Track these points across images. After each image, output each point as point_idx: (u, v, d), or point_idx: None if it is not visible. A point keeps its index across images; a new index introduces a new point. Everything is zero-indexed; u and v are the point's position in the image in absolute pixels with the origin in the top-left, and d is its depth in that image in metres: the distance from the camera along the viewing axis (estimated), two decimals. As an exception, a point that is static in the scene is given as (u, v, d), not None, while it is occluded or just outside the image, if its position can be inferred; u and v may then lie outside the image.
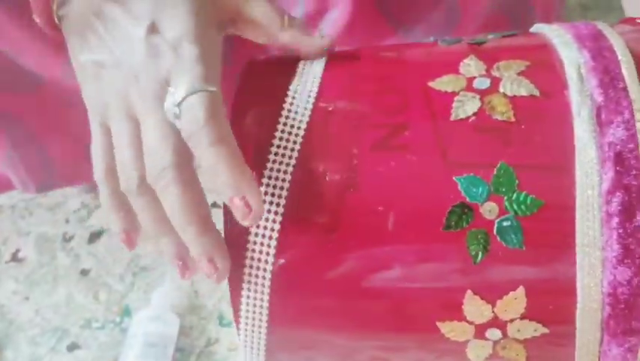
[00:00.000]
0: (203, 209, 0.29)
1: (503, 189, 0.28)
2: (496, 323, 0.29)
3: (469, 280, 0.28)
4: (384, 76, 0.32)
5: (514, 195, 0.28)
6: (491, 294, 0.28)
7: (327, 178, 0.29)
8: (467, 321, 0.29)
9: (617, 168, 0.27)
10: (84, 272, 0.69)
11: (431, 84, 0.30)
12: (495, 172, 0.28)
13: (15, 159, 0.53)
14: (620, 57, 0.29)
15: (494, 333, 0.29)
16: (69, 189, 0.73)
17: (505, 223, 0.28)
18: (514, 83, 0.29)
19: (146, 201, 0.29)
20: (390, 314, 0.30)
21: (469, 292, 0.28)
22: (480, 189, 0.28)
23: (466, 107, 0.29)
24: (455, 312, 0.29)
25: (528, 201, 0.28)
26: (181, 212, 0.28)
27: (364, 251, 0.29)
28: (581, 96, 0.28)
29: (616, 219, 0.27)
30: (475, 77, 0.30)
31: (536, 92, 0.29)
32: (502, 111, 0.29)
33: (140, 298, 0.70)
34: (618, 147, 0.27)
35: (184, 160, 0.28)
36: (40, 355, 0.66)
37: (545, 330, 0.29)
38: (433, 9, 0.45)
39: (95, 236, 0.71)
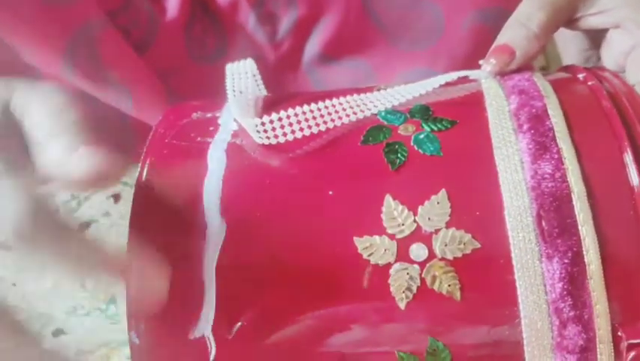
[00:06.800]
0: None
1: (418, 115, 0.29)
2: (419, 235, 0.26)
3: (388, 185, 0.27)
4: None
5: (430, 118, 0.29)
6: (412, 199, 0.26)
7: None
8: (387, 235, 0.26)
9: (522, 96, 0.29)
10: (72, 260, 0.72)
11: None
12: (410, 108, 0.30)
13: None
14: None
15: (419, 250, 0.25)
16: (60, 181, 0.77)
17: (421, 136, 0.28)
18: None
19: None
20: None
21: (387, 196, 0.26)
22: (397, 115, 0.29)
23: None
24: (374, 223, 0.26)
25: (442, 121, 0.28)
26: None
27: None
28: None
29: (527, 124, 0.27)
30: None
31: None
32: None
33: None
34: (521, 86, 0.30)
35: None
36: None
37: (476, 243, 0.25)
38: (418, 18, 0.48)
39: (84, 226, 0.73)
